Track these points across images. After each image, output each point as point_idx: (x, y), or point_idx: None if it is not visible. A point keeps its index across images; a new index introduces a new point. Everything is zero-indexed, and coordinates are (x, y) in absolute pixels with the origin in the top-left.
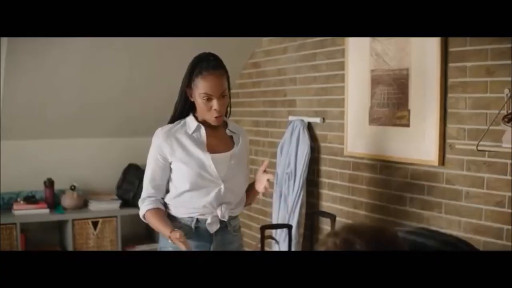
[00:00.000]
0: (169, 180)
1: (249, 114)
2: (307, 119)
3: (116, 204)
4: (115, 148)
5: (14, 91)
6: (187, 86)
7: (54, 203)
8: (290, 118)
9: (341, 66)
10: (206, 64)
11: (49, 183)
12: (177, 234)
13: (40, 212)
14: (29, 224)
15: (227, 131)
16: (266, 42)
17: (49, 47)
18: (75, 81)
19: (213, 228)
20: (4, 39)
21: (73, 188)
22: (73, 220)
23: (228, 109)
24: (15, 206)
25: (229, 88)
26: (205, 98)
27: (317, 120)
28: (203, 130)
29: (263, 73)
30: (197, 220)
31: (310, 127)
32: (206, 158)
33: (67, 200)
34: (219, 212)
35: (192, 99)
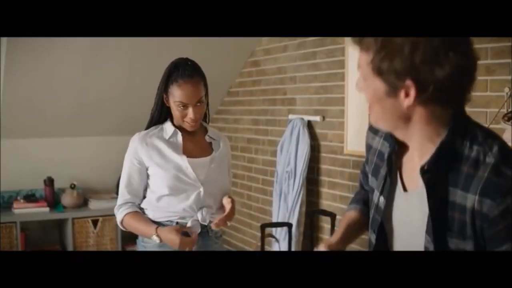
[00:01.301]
0: (146, 187)
1: (249, 113)
2: (307, 118)
3: (116, 203)
4: (115, 146)
5: (14, 90)
6: (163, 91)
7: (54, 201)
8: (290, 116)
9: (341, 64)
10: (182, 71)
11: (49, 182)
12: (168, 228)
13: (40, 211)
14: (29, 222)
15: (207, 137)
16: (266, 41)
17: (49, 47)
18: (74, 80)
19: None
20: (4, 39)
21: (73, 186)
22: (73, 218)
23: (207, 114)
24: (15, 205)
25: (206, 94)
26: (180, 106)
27: (317, 118)
28: (179, 135)
29: (263, 71)
30: (177, 223)
31: (310, 125)
32: (183, 160)
33: (67, 199)
34: (199, 216)
35: (168, 105)
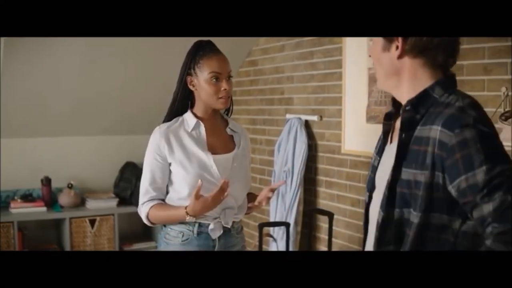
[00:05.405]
0: (168, 183)
1: (247, 112)
2: (304, 117)
3: (114, 202)
4: (113, 146)
5: (12, 89)
6: (187, 74)
7: (51, 201)
8: (288, 116)
9: (339, 64)
10: (209, 47)
11: (46, 181)
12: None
13: (37, 210)
14: (27, 222)
15: (228, 130)
16: (263, 40)
17: (48, 45)
18: (73, 79)
19: (216, 234)
20: (3, 39)
21: (70, 186)
22: (70, 218)
23: (231, 107)
24: (12, 204)
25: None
26: (213, 78)
27: (314, 118)
28: (202, 127)
29: (260, 71)
30: (200, 224)
31: (307, 125)
32: (208, 158)
33: (64, 198)
34: (222, 219)
35: (193, 88)
